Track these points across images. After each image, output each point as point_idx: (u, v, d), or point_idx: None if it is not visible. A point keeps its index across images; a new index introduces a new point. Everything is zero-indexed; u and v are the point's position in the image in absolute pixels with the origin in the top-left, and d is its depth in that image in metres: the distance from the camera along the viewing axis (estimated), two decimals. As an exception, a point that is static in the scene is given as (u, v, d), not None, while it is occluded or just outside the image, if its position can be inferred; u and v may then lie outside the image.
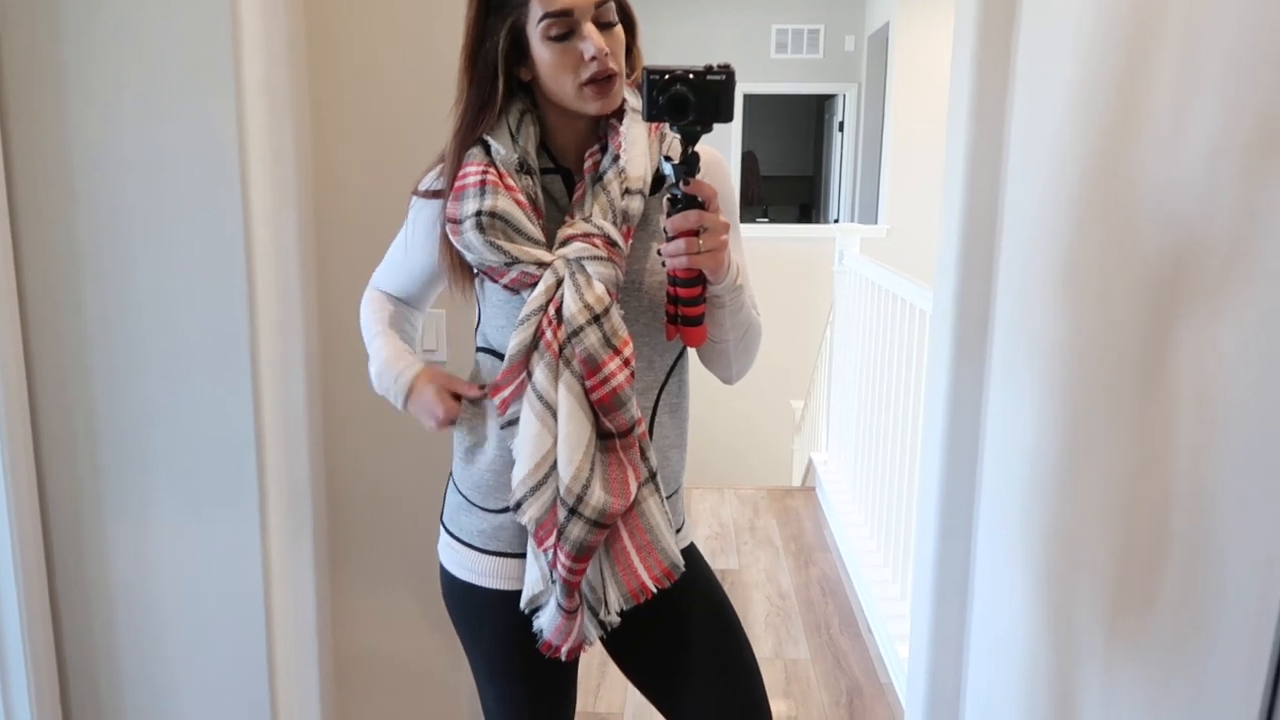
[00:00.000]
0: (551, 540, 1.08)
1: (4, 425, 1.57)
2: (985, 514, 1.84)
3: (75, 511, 1.67)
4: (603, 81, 1.09)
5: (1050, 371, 1.53)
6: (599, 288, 1.07)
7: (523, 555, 1.18)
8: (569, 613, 1.10)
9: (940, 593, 1.96)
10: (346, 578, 1.98)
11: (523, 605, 1.15)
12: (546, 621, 1.13)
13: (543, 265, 1.09)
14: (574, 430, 1.07)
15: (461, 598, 1.23)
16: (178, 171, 1.55)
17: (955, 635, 1.96)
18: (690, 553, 1.27)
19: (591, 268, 1.07)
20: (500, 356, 1.15)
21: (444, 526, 1.27)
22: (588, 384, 1.08)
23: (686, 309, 1.09)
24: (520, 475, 1.10)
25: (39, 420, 1.64)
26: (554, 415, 1.08)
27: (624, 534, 1.11)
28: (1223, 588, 1.02)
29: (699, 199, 1.03)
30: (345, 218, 1.84)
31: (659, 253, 1.07)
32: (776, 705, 2.40)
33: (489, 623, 1.22)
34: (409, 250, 1.27)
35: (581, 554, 1.07)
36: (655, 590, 1.12)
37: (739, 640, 1.28)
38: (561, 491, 1.07)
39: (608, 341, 1.07)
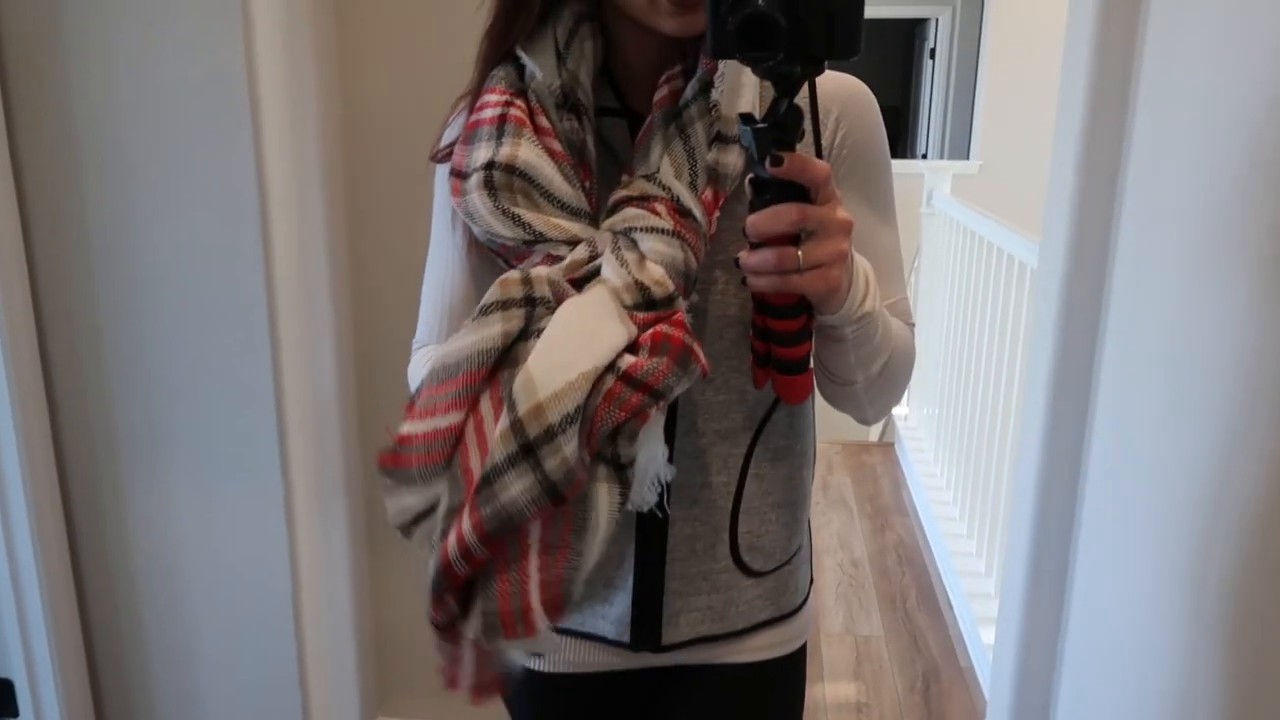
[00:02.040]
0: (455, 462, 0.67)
1: (19, 401, 1.47)
2: (1091, 500, 1.62)
3: (94, 488, 1.58)
4: None
5: (1182, 354, 1.29)
6: (656, 270, 0.68)
7: (566, 632, 0.89)
8: (440, 628, 0.70)
9: (1035, 583, 1.76)
10: (389, 552, 1.86)
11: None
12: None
13: (578, 245, 0.72)
14: (587, 322, 0.66)
15: None
16: (184, 120, 1.39)
17: (1050, 629, 1.76)
18: (791, 665, 0.93)
19: (646, 242, 0.69)
20: None
21: None
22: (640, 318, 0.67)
23: (782, 349, 0.69)
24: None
25: (55, 396, 1.54)
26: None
27: (533, 531, 0.66)
28: None
29: (803, 183, 0.62)
30: (377, 165, 1.68)
31: (736, 263, 0.66)
32: (844, 687, 2.24)
33: (528, 707, 0.96)
34: (455, 251, 0.85)
35: (499, 531, 0.64)
36: (539, 627, 0.67)
37: None
38: (521, 409, 0.63)
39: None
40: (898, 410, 4.00)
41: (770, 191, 0.62)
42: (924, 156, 7.28)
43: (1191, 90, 1.31)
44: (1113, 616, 1.51)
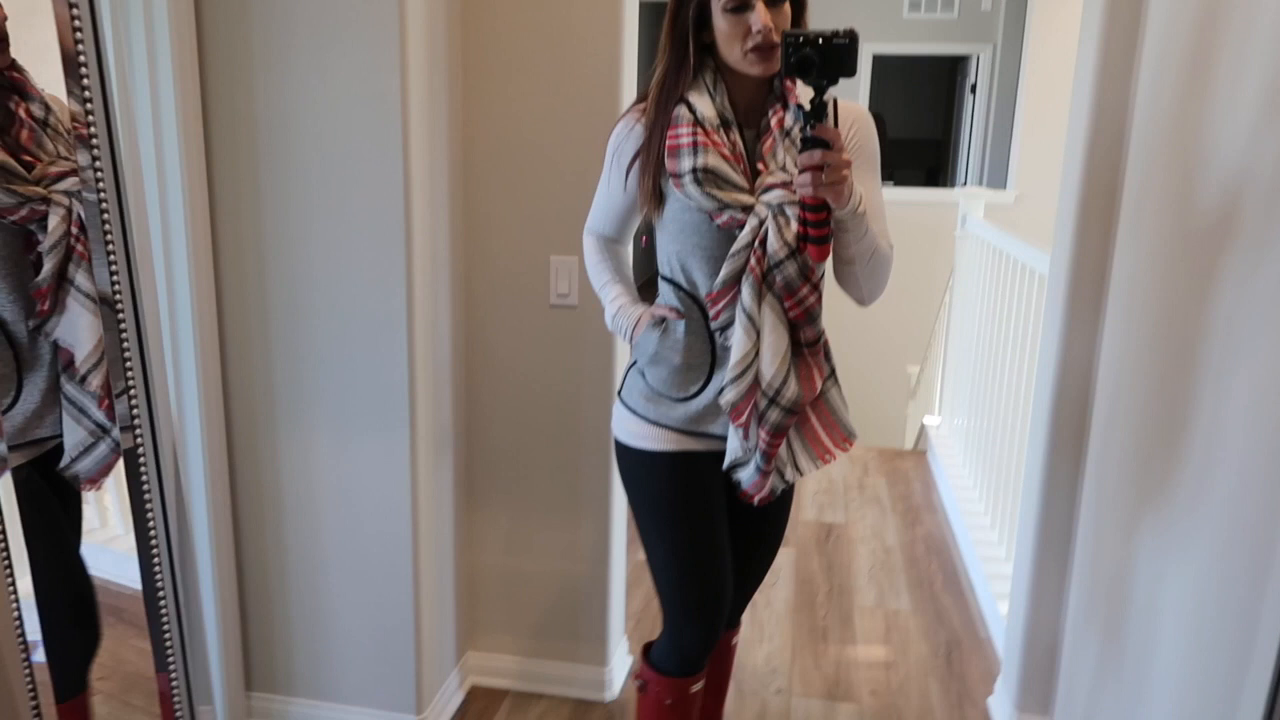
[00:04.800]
0: (744, 419, 1.37)
1: (202, 371, 1.80)
2: (1090, 477, 1.89)
3: (253, 430, 1.91)
4: (765, 49, 1.31)
5: (1149, 335, 1.57)
6: (794, 226, 1.32)
7: (689, 432, 1.46)
8: (765, 473, 1.41)
9: (1041, 548, 2.02)
10: (481, 508, 2.17)
11: (725, 465, 1.44)
12: (746, 477, 1.43)
13: (747, 209, 1.33)
14: (775, 340, 1.35)
15: (638, 463, 1.49)
16: (350, 139, 1.73)
17: (1054, 591, 2.02)
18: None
19: (791, 210, 1.32)
20: (675, 285, 1.44)
21: (630, 409, 1.50)
22: (786, 305, 1.35)
23: (814, 230, 1.29)
24: (729, 368, 1.37)
25: (227, 357, 1.88)
26: (756, 327, 1.35)
27: (813, 417, 1.45)
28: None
29: (826, 140, 1.21)
30: (490, 180, 2.00)
31: (791, 182, 1.31)
32: (874, 650, 2.51)
33: (662, 478, 1.48)
34: (611, 196, 1.51)
35: (778, 432, 1.38)
36: (837, 454, 1.47)
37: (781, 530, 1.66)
38: (764, 386, 1.36)
39: (802, 270, 1.34)
40: (930, 420, 4.25)
41: (811, 144, 1.22)
42: (964, 185, 7.52)
43: (1170, 128, 1.59)
44: (1103, 589, 1.77)
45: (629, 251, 1.65)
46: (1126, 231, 1.77)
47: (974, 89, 7.49)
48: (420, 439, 1.88)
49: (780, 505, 1.60)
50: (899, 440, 5.24)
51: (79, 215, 1.37)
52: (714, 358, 1.43)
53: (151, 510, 1.47)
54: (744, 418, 1.37)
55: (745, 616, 2.26)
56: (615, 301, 1.54)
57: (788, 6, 1.33)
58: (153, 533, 1.50)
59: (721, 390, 1.38)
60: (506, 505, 2.16)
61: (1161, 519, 1.50)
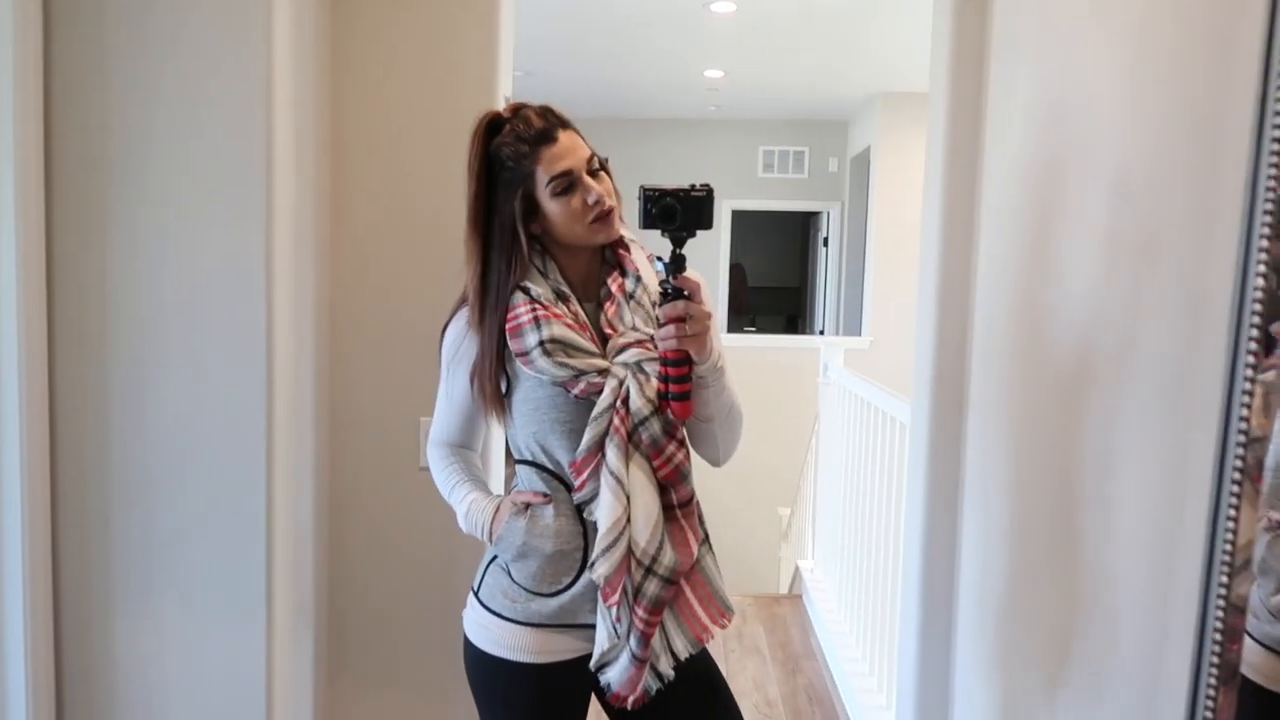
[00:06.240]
0: (617, 597, 1.26)
1: (27, 527, 1.63)
2: (963, 621, 1.91)
3: (86, 614, 1.72)
4: (606, 215, 1.33)
5: (1011, 482, 1.64)
6: (655, 384, 1.30)
7: (560, 627, 1.34)
8: (641, 662, 1.28)
9: (922, 701, 2.01)
10: (345, 686, 2.02)
11: (593, 664, 1.31)
12: (616, 675, 1.29)
13: (603, 372, 1.30)
14: (647, 502, 1.28)
15: (496, 674, 1.36)
16: (211, 301, 1.66)
17: (937, 744, 2.00)
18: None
19: (649, 367, 1.30)
20: (538, 467, 1.36)
21: (490, 610, 1.37)
22: (655, 464, 1.30)
23: (675, 386, 1.27)
24: (599, 537, 1.27)
25: (59, 529, 1.70)
26: (625, 490, 1.27)
27: (687, 590, 1.34)
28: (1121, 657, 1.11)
29: (685, 291, 1.23)
30: (357, 342, 1.96)
31: (651, 338, 1.30)
32: (764, 815, 2.41)
33: (521, 695, 1.36)
34: (454, 397, 1.43)
35: (656, 607, 1.28)
36: (715, 631, 1.35)
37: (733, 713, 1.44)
38: (638, 554, 1.27)
39: (666, 427, 1.30)
40: (803, 564, 4.28)
41: (671, 295, 1.24)
42: (821, 332, 7.87)
43: (1015, 278, 1.71)
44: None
45: (478, 458, 1.54)
46: (979, 383, 1.86)
47: (826, 242, 7.97)
48: (278, 617, 1.74)
49: (696, 674, 1.39)
50: (773, 583, 5.25)
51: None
52: (586, 542, 1.33)
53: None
54: (616, 595, 1.26)
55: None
56: (466, 499, 1.42)
57: (605, 174, 1.34)
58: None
59: (593, 563, 1.28)
60: (373, 684, 2.02)
61: (1038, 684, 1.52)
